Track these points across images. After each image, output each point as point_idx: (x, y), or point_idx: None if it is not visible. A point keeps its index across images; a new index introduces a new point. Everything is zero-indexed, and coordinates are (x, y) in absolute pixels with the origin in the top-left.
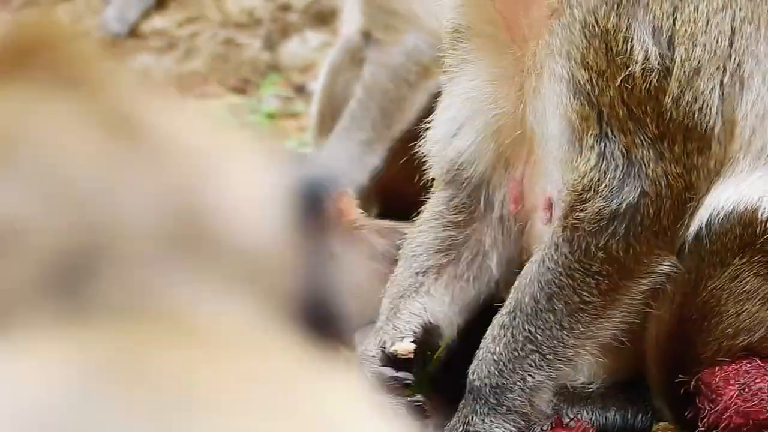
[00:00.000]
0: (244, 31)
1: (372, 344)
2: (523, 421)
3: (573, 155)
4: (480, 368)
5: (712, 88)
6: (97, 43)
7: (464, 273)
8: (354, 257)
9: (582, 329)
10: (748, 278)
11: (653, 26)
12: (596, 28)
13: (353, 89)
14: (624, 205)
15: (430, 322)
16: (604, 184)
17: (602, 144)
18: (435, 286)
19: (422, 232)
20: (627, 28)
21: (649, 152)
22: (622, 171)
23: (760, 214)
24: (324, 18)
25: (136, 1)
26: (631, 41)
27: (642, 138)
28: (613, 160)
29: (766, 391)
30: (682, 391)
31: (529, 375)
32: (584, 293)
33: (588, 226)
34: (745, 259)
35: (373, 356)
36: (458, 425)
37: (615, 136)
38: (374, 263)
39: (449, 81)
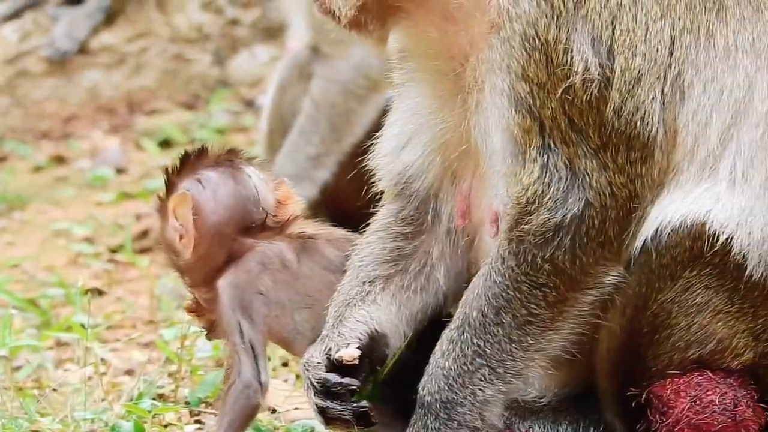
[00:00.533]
0: (193, 46)
1: (317, 351)
2: None
3: (516, 168)
4: (430, 383)
5: (653, 98)
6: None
7: (411, 283)
8: (308, 268)
9: (531, 342)
10: (699, 291)
11: (593, 36)
12: (536, 41)
13: (301, 104)
14: (569, 216)
15: (376, 330)
16: (548, 196)
17: (545, 156)
18: (382, 295)
19: (370, 243)
20: (567, 39)
21: (592, 163)
22: (565, 182)
23: (707, 228)
24: (272, 33)
25: (84, 18)
26: (571, 52)
27: (585, 149)
28: (557, 171)
29: (717, 403)
30: (633, 403)
31: (479, 389)
32: (532, 306)
33: (533, 238)
34: (695, 272)
35: (318, 363)
36: None
37: (557, 148)
38: (328, 274)
39: (397, 97)
